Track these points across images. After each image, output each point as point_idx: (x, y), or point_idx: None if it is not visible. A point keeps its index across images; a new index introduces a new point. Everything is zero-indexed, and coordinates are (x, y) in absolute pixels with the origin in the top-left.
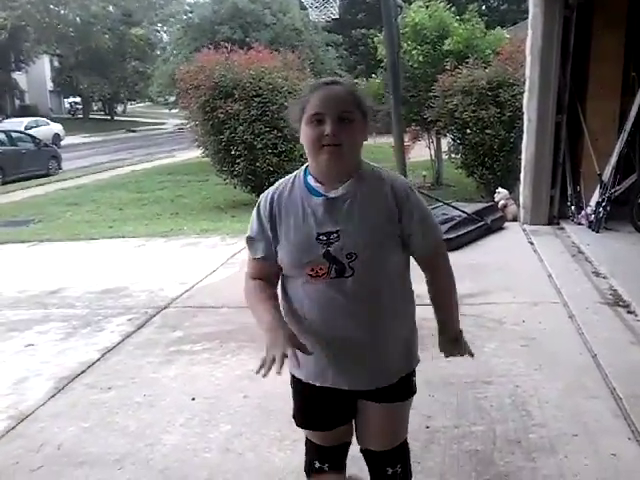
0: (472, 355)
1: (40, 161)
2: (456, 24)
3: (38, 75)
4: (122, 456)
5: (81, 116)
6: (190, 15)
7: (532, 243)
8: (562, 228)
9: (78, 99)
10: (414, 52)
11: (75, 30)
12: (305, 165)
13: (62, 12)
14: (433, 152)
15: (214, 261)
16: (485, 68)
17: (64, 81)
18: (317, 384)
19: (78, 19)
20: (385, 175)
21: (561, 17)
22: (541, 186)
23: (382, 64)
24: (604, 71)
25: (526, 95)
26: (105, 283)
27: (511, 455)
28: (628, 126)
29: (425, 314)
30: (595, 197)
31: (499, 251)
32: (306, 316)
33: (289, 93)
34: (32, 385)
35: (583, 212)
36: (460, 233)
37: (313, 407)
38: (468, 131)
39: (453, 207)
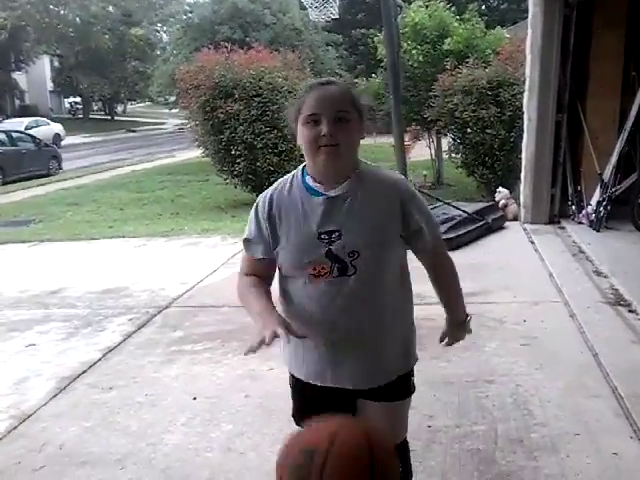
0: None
1: (40, 161)
2: (456, 24)
3: (38, 75)
4: (124, 456)
5: (81, 116)
6: (190, 15)
7: (533, 242)
8: (563, 227)
9: (78, 99)
10: (414, 52)
11: (75, 30)
12: (302, 165)
13: (62, 12)
14: (433, 152)
15: (215, 261)
16: (485, 68)
17: (64, 81)
18: (317, 384)
19: (78, 19)
20: (385, 174)
21: (561, 16)
22: (542, 185)
23: (382, 64)
24: (604, 70)
25: (526, 94)
26: (106, 283)
27: (513, 454)
28: (628, 125)
29: (425, 314)
30: (596, 196)
31: (500, 250)
32: (306, 316)
33: (289, 93)
34: (33, 385)
35: (584, 211)
36: (461, 232)
37: (313, 407)
38: (468, 130)
39: (454, 206)
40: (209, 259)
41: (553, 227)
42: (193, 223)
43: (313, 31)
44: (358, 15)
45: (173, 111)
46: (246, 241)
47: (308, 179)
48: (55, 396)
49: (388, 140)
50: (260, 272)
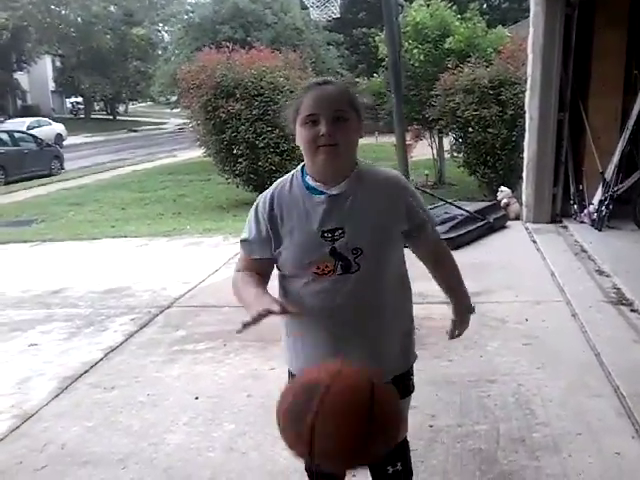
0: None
1: (42, 161)
2: (457, 23)
3: (40, 75)
4: (126, 455)
5: (83, 116)
6: (191, 15)
7: (535, 242)
8: (565, 226)
9: (80, 99)
10: (415, 51)
11: (77, 30)
12: (301, 165)
13: (63, 12)
14: (435, 151)
15: (217, 260)
16: (487, 67)
17: (66, 81)
18: None
19: (79, 19)
20: (383, 172)
21: (562, 15)
22: (543, 184)
23: (383, 63)
24: (606, 69)
25: (528, 93)
26: (108, 283)
27: (515, 454)
28: (630, 124)
29: (426, 313)
30: (598, 195)
31: (502, 250)
32: (307, 315)
33: (290, 92)
34: (35, 385)
35: (586, 210)
36: (462, 232)
37: None
38: (470, 130)
39: (455, 206)
40: (211, 259)
41: (555, 226)
42: (195, 223)
43: (314, 30)
44: (359, 14)
45: (175, 111)
46: (245, 241)
47: (308, 178)
48: (57, 396)
49: (390, 139)
50: (257, 271)
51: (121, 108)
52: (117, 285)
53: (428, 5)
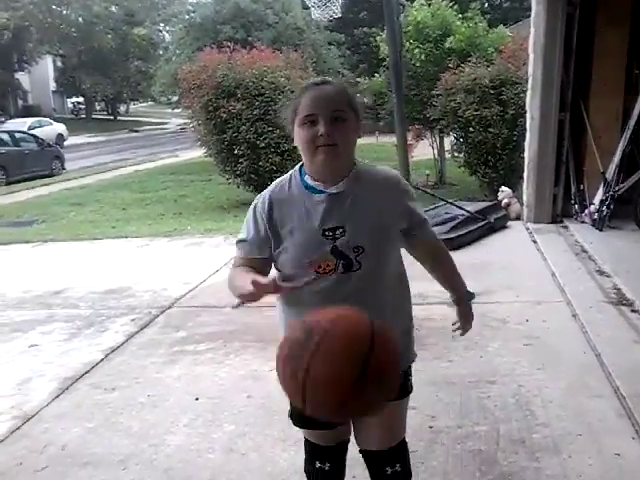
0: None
1: (43, 161)
2: (458, 22)
3: (41, 75)
4: (126, 456)
5: (84, 116)
6: (192, 15)
7: (535, 242)
8: (565, 226)
9: (81, 99)
10: (416, 51)
11: (78, 30)
12: (299, 165)
13: (65, 12)
14: (436, 151)
15: (217, 261)
16: (488, 66)
17: (67, 81)
18: None
19: (81, 19)
20: (381, 172)
21: (564, 14)
22: (544, 184)
23: (384, 63)
24: (607, 68)
25: (529, 93)
26: (108, 283)
27: (515, 455)
28: (632, 124)
29: (426, 314)
30: (599, 195)
31: (502, 250)
32: (307, 314)
33: (292, 92)
34: (36, 386)
35: (586, 210)
36: (463, 232)
37: None
38: (471, 130)
39: (456, 206)
40: (212, 259)
41: (556, 226)
42: (196, 223)
43: (315, 30)
44: (360, 14)
45: (176, 111)
46: (242, 242)
47: (307, 178)
48: (57, 397)
49: (390, 139)
50: (253, 268)
51: (122, 108)
52: (118, 285)
53: (429, 4)
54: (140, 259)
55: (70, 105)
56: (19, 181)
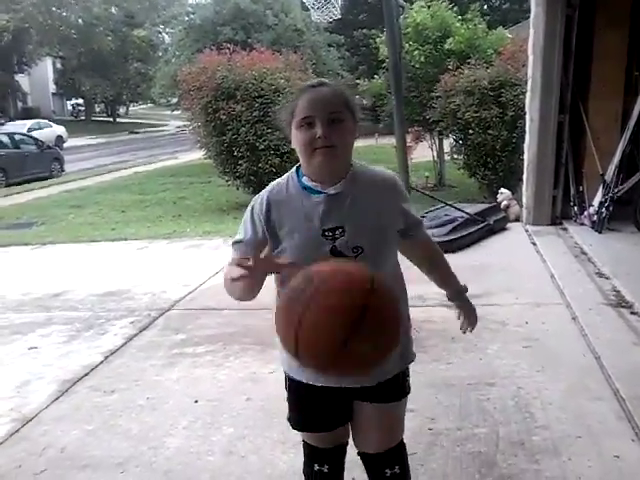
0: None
1: (43, 163)
2: (458, 24)
3: (41, 77)
4: (125, 459)
5: (84, 118)
6: (192, 16)
7: (535, 244)
8: (565, 228)
9: (81, 101)
10: (416, 52)
11: (77, 32)
12: (296, 166)
13: (64, 14)
14: (435, 153)
15: (217, 263)
16: (487, 68)
17: (67, 83)
18: (318, 384)
19: (80, 21)
20: (378, 173)
21: (563, 16)
22: (544, 186)
23: (384, 64)
24: (607, 70)
25: (528, 95)
26: (108, 286)
27: (514, 457)
28: (631, 125)
29: (426, 316)
30: (598, 197)
31: (502, 252)
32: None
33: (291, 94)
34: (35, 388)
35: (586, 212)
36: (462, 234)
37: (313, 408)
38: (470, 131)
39: (455, 208)
40: (211, 261)
41: (555, 228)
42: (195, 225)
43: (315, 32)
44: (360, 16)
45: (175, 113)
46: (238, 243)
47: (305, 179)
48: (57, 399)
49: (390, 141)
50: None
51: (122, 110)
52: (117, 288)
53: (429, 6)
54: (139, 261)
55: (70, 107)
56: (18, 183)
